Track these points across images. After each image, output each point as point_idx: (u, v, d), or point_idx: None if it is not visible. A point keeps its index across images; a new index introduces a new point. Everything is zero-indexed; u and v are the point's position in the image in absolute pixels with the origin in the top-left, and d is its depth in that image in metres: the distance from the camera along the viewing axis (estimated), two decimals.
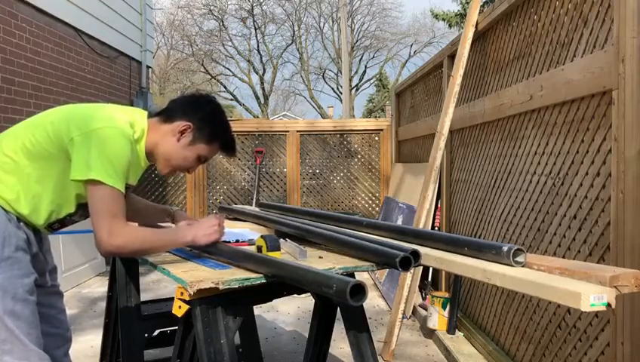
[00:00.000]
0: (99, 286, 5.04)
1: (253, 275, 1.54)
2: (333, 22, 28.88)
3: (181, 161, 1.77)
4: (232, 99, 29.26)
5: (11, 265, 1.57)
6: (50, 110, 1.74)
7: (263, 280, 1.54)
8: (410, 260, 1.56)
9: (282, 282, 1.58)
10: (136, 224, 1.87)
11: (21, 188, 1.62)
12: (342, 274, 1.68)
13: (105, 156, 1.55)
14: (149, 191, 6.83)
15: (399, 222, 4.75)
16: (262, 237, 1.77)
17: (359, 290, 1.29)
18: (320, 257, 1.79)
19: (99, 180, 1.54)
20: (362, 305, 1.96)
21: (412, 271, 3.28)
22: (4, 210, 1.60)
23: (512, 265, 1.48)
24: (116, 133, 1.59)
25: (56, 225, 1.75)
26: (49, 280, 1.85)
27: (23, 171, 1.62)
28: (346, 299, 1.26)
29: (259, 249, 1.76)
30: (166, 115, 1.77)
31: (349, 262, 1.69)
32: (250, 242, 2.08)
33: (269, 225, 2.37)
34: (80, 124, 1.60)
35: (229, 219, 2.88)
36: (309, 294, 2.05)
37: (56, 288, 1.90)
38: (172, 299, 1.64)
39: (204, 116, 1.76)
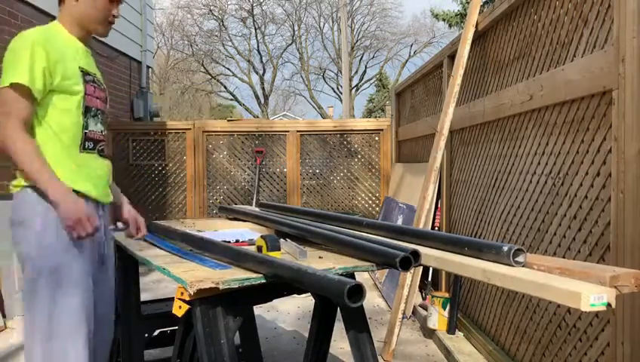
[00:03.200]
0: None
1: (254, 275, 1.54)
2: (333, 22, 28.89)
3: (96, 12, 1.85)
4: (232, 99, 29.30)
5: (68, 249, 1.72)
6: None
7: (263, 280, 1.54)
8: (410, 260, 1.56)
9: (282, 282, 1.58)
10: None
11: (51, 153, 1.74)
12: (342, 275, 1.68)
13: (11, 64, 1.69)
14: (149, 191, 6.83)
15: (399, 222, 4.75)
16: (262, 237, 1.78)
17: (357, 291, 1.29)
18: (320, 257, 1.79)
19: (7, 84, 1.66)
20: (362, 305, 1.96)
21: (412, 271, 3.28)
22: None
23: (512, 265, 1.48)
24: (17, 41, 1.72)
25: (89, 144, 1.84)
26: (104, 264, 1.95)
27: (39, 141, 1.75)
28: (343, 301, 1.26)
29: (259, 249, 1.76)
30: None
31: (348, 262, 1.70)
32: (250, 242, 2.08)
33: (269, 224, 2.37)
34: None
35: (229, 219, 2.88)
36: (309, 294, 2.05)
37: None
38: (172, 299, 1.65)
39: None
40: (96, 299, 1.85)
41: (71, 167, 1.78)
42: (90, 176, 1.84)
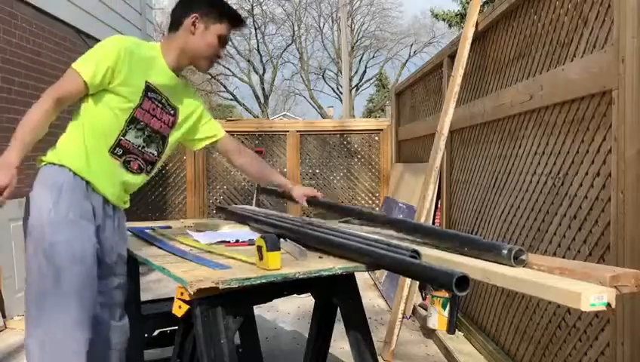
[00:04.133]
0: None
1: (253, 275, 1.54)
2: (333, 22, 28.89)
3: (207, 48, 1.97)
4: (232, 99, 29.28)
5: (71, 228, 1.76)
6: None
7: (264, 280, 1.53)
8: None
9: (282, 282, 1.58)
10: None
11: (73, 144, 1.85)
12: (342, 274, 1.68)
13: (89, 54, 1.83)
14: (149, 191, 6.84)
15: None
16: (261, 237, 1.77)
17: (464, 281, 1.35)
18: (320, 257, 1.79)
19: (73, 68, 1.81)
20: (362, 305, 1.96)
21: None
22: (75, 173, 1.81)
23: (512, 266, 1.48)
24: (110, 39, 1.86)
25: (118, 151, 1.90)
26: (114, 262, 1.98)
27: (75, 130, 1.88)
28: (452, 290, 1.34)
29: (259, 249, 1.75)
30: (172, 25, 2.00)
31: (349, 262, 1.69)
32: (250, 242, 2.08)
33: (260, 226, 2.35)
34: None
35: (226, 219, 2.88)
36: (309, 294, 2.05)
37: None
38: (172, 298, 1.64)
39: (203, 2, 1.96)
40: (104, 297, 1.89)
41: (82, 154, 1.84)
42: (98, 173, 1.87)
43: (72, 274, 1.74)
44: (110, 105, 1.85)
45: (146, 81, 1.90)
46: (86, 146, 1.84)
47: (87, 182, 1.84)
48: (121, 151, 1.90)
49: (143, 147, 1.96)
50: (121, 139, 1.89)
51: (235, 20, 2.02)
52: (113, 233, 1.96)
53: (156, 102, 1.95)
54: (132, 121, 1.89)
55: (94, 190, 1.86)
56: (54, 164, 1.82)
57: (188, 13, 1.94)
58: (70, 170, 1.81)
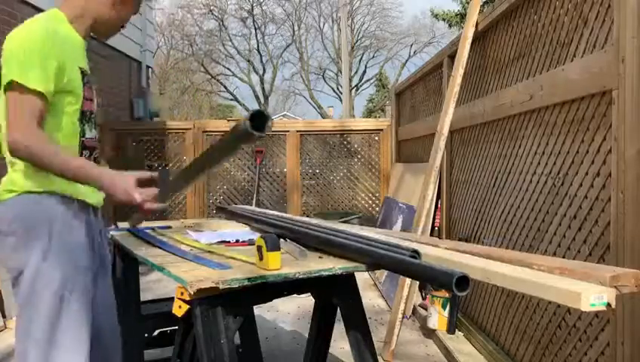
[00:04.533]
0: None
1: (253, 275, 1.54)
2: (333, 22, 28.90)
3: (116, 15, 1.77)
4: (232, 99, 29.32)
5: (70, 257, 1.64)
6: None
7: (264, 280, 1.54)
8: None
9: (282, 282, 1.58)
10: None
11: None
12: (342, 274, 1.68)
13: (25, 59, 1.52)
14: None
15: (399, 222, 4.75)
16: (261, 237, 1.77)
17: (464, 281, 1.35)
18: (320, 257, 1.79)
19: (16, 82, 1.51)
20: (362, 305, 1.96)
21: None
22: (62, 196, 1.64)
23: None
24: (25, 33, 1.57)
25: (86, 153, 1.73)
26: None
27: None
28: (452, 289, 1.34)
29: (258, 249, 1.75)
30: None
31: (349, 262, 1.69)
32: (250, 242, 2.08)
33: (260, 226, 2.35)
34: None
35: (227, 219, 2.88)
36: (309, 294, 2.05)
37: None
38: (172, 298, 1.64)
39: None
40: (99, 305, 1.81)
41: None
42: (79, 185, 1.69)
43: (80, 309, 1.66)
44: (62, 110, 1.63)
45: (79, 67, 1.68)
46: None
47: (76, 200, 1.68)
48: (87, 152, 1.75)
49: (96, 136, 1.80)
50: (83, 141, 1.72)
51: None
52: (102, 239, 1.90)
53: (87, 84, 1.73)
54: (82, 117, 1.70)
55: (83, 206, 1.71)
56: (32, 193, 1.60)
57: None
58: (56, 194, 1.62)
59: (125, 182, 1.60)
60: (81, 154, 1.72)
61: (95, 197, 1.78)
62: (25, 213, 1.61)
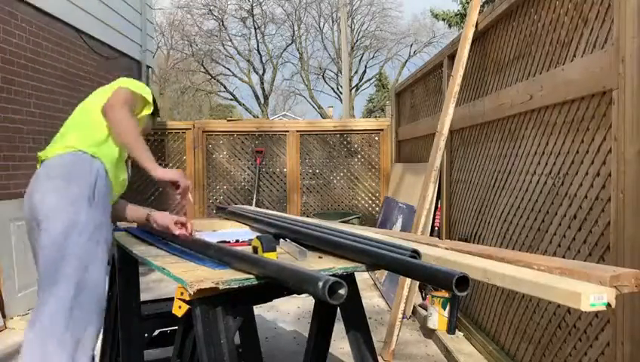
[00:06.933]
0: None
1: (251, 276, 1.54)
2: (333, 22, 28.89)
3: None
4: (232, 99, 29.31)
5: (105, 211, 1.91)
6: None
7: (263, 281, 1.53)
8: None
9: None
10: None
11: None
12: (342, 274, 1.68)
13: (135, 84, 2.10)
14: (149, 191, 6.83)
15: (399, 222, 4.75)
16: (258, 237, 1.77)
17: (464, 282, 1.34)
18: (320, 257, 1.79)
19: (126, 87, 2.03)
20: (362, 305, 1.96)
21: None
22: (104, 165, 1.95)
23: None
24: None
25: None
26: None
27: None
28: (451, 289, 1.32)
29: (254, 250, 1.74)
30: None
31: (349, 262, 1.69)
32: (250, 242, 2.07)
33: (260, 226, 2.35)
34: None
35: (226, 219, 2.88)
36: (308, 294, 2.04)
37: None
38: (172, 298, 1.64)
39: None
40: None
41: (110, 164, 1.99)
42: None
43: (103, 264, 1.85)
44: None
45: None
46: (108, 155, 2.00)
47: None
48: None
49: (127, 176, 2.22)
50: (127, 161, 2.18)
51: None
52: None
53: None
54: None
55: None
56: (85, 153, 1.90)
57: None
58: (102, 162, 1.93)
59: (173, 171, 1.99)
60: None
61: (117, 192, 2.06)
62: (76, 163, 1.88)
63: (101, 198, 1.89)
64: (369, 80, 30.74)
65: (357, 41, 29.09)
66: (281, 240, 1.95)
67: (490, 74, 3.18)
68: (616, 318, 1.85)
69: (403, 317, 3.45)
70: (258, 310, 4.01)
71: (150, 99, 2.14)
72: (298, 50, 29.40)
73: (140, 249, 2.05)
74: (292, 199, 7.00)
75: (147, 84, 8.02)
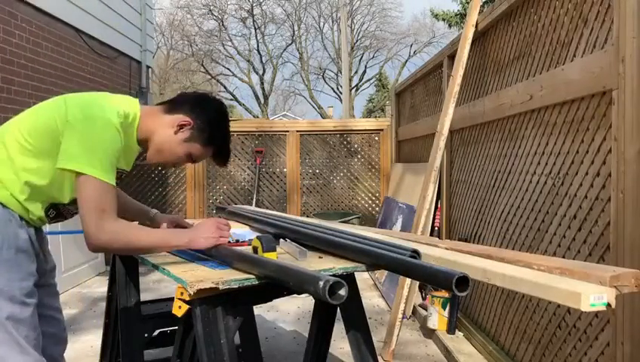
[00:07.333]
0: (99, 286, 5.04)
1: (252, 276, 1.54)
2: (333, 22, 28.91)
3: (171, 154, 1.75)
4: (232, 99, 29.27)
5: (9, 268, 1.55)
6: (41, 104, 1.73)
7: (263, 281, 1.53)
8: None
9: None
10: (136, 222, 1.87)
11: (16, 179, 1.60)
12: (342, 274, 1.68)
13: (94, 147, 1.53)
14: (149, 191, 6.83)
15: (399, 222, 4.75)
16: (257, 237, 1.76)
17: (464, 281, 1.34)
18: (320, 257, 1.79)
19: (87, 173, 1.51)
20: (362, 305, 1.96)
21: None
22: (6, 206, 1.59)
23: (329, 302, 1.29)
24: (106, 123, 1.56)
25: (52, 213, 1.71)
26: (49, 279, 1.85)
27: (20, 165, 1.60)
28: (451, 290, 1.32)
29: (254, 250, 1.74)
30: (170, 106, 1.76)
31: (349, 262, 1.69)
32: (250, 242, 2.07)
33: (260, 226, 2.35)
34: (74, 110, 1.58)
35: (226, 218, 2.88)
36: (308, 294, 2.04)
37: (54, 288, 1.90)
38: (172, 299, 1.64)
39: (208, 118, 1.75)
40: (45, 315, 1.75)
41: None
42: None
43: (16, 319, 1.54)
44: (67, 180, 1.66)
45: (120, 169, 1.71)
46: (23, 185, 1.62)
47: (20, 215, 1.62)
48: (54, 213, 1.73)
49: (71, 210, 1.80)
50: (60, 206, 1.74)
51: (219, 156, 1.83)
52: (45, 246, 1.82)
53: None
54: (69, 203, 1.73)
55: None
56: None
57: (188, 113, 1.73)
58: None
59: (201, 231, 1.69)
60: (48, 214, 1.70)
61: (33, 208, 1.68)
62: None
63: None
64: (369, 80, 30.79)
65: (357, 41, 29.10)
66: (281, 240, 1.94)
67: (490, 74, 3.18)
68: (616, 318, 1.86)
69: (403, 317, 3.45)
70: (258, 310, 4.01)
71: (132, 118, 1.68)
72: (298, 50, 29.43)
73: None
74: (292, 199, 7.01)
75: (147, 84, 8.02)
